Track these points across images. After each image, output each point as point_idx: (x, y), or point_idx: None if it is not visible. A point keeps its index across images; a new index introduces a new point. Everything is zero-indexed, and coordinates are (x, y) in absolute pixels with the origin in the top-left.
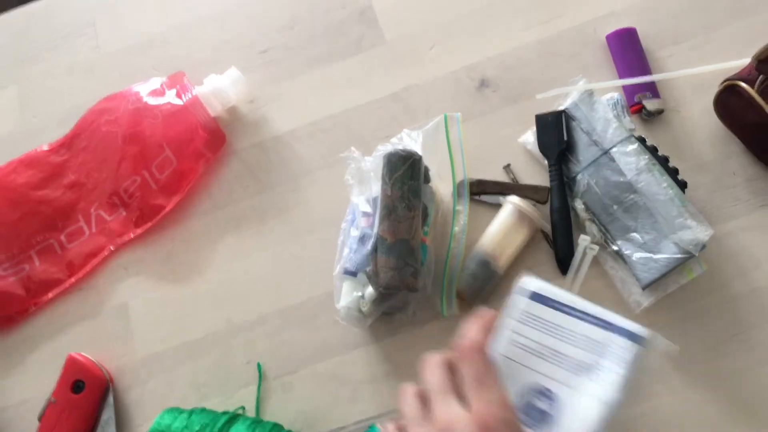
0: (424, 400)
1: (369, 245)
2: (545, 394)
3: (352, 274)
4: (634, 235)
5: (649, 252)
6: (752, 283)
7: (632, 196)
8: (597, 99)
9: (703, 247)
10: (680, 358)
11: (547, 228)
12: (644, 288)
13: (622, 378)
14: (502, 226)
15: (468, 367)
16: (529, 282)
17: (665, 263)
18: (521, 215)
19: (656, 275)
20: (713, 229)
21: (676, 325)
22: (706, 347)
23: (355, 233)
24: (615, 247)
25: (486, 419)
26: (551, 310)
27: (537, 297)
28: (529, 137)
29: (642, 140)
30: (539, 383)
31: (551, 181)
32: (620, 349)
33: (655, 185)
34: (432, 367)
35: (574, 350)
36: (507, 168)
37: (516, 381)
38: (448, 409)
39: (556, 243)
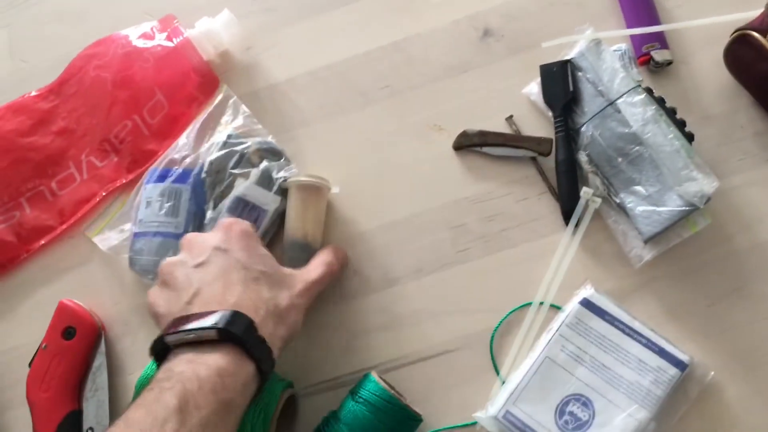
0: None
1: None
2: (584, 402)
3: None
4: (638, 187)
5: (653, 205)
6: (756, 237)
7: (637, 147)
8: (604, 48)
9: (708, 199)
10: (679, 310)
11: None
12: (646, 241)
13: (659, 400)
14: (297, 206)
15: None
16: (588, 292)
17: (668, 216)
18: (307, 187)
19: (659, 228)
20: (719, 182)
21: (677, 279)
22: (707, 301)
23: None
24: (618, 200)
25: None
26: (604, 323)
27: (591, 307)
28: (534, 88)
29: (649, 91)
30: (580, 392)
31: (556, 132)
32: (663, 374)
33: (661, 136)
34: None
35: (619, 366)
36: (509, 119)
37: (559, 386)
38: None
39: (562, 195)
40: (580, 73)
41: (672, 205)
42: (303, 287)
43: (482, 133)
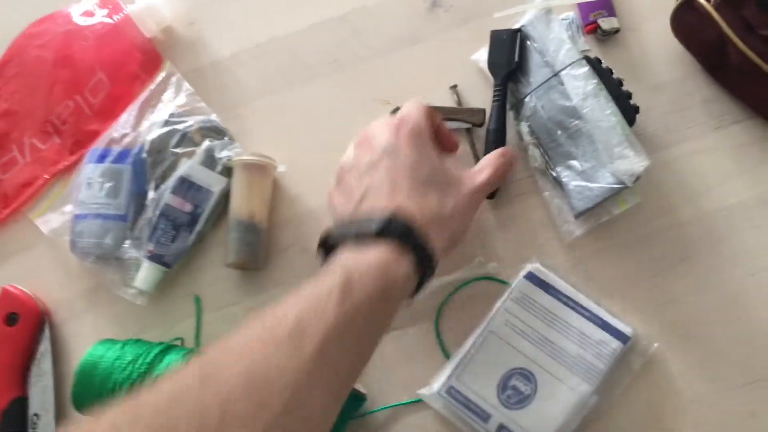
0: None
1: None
2: (527, 376)
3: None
4: (574, 162)
5: (586, 180)
6: (702, 207)
7: (577, 122)
8: (553, 18)
9: (638, 178)
10: (623, 282)
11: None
12: (576, 217)
13: (602, 373)
14: (242, 185)
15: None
16: (533, 266)
17: (599, 192)
18: (251, 166)
19: (589, 204)
20: (649, 161)
21: (622, 251)
22: (650, 273)
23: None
24: (554, 174)
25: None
26: (549, 296)
27: (536, 280)
28: (483, 54)
29: (598, 61)
30: (523, 366)
31: (493, 101)
32: (605, 347)
33: (599, 111)
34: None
35: (563, 340)
36: (453, 89)
37: (502, 360)
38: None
39: None
40: (529, 42)
41: (603, 182)
42: (470, 190)
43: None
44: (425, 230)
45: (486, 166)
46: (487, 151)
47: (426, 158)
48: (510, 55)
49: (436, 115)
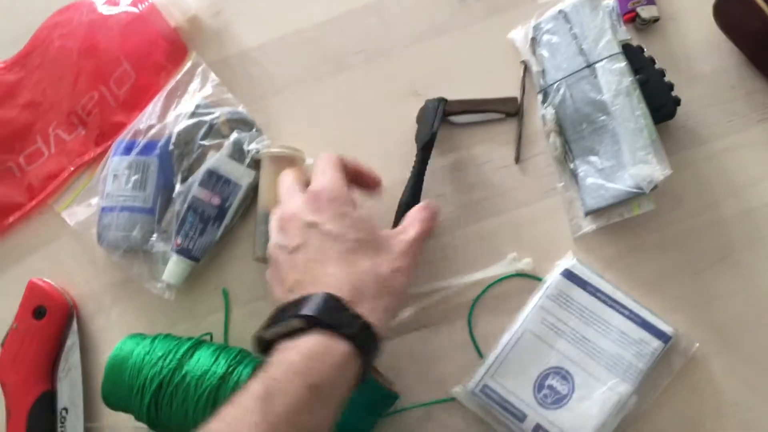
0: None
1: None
2: (564, 376)
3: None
4: (594, 158)
5: (604, 179)
6: (745, 203)
7: (604, 117)
8: (599, 4)
9: (656, 186)
10: (664, 279)
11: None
12: (587, 214)
13: (641, 373)
14: (270, 178)
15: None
16: (569, 262)
17: (614, 194)
18: (280, 159)
19: (602, 204)
20: (672, 170)
21: (662, 248)
22: (692, 270)
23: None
24: (572, 166)
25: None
26: (586, 294)
27: (573, 277)
28: (520, 33)
29: (640, 50)
30: (560, 365)
31: (412, 168)
32: (646, 346)
33: (629, 111)
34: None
35: (601, 338)
36: (523, 63)
37: (538, 358)
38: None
39: None
40: (568, 26)
41: (621, 184)
42: (404, 248)
43: (447, 103)
44: (360, 305)
45: (413, 221)
46: (396, 224)
47: (351, 221)
48: (430, 125)
49: (349, 163)
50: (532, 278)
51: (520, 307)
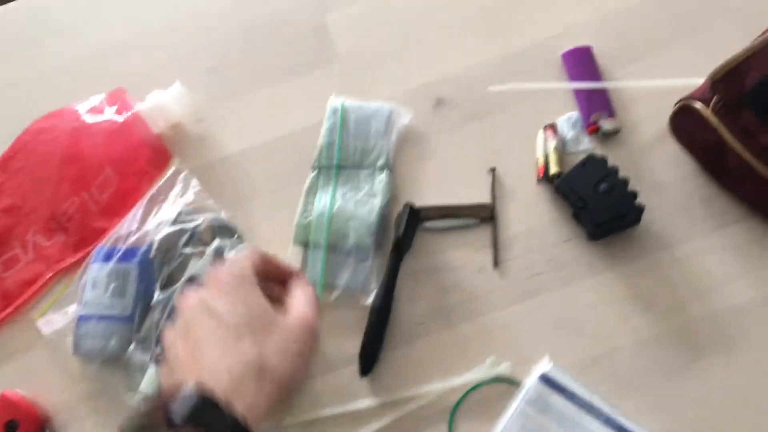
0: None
1: None
2: None
3: None
4: None
5: None
6: (710, 306)
7: None
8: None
9: None
10: (637, 383)
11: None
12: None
13: None
14: None
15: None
16: (545, 366)
17: None
18: None
19: None
20: None
21: (634, 353)
22: (662, 373)
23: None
24: None
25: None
26: (564, 399)
27: (550, 382)
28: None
29: (604, 160)
30: None
31: (384, 271)
32: None
33: None
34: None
35: None
36: (491, 171)
37: None
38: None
39: (365, 346)
40: None
41: None
42: (298, 330)
43: (421, 210)
44: (238, 398)
45: (304, 301)
46: (371, 330)
47: (242, 303)
48: (397, 229)
49: (265, 260)
50: (511, 383)
51: (501, 413)
